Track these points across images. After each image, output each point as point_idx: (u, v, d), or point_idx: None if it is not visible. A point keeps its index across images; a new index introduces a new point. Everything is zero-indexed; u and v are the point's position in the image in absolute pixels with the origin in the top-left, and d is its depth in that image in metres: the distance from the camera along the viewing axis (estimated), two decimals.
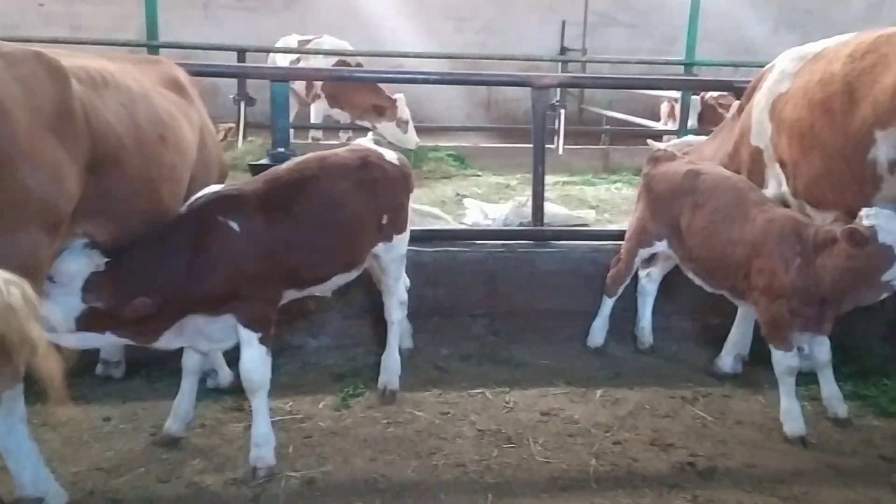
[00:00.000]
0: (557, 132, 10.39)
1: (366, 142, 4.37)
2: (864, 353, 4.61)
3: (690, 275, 4.18)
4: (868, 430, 3.83)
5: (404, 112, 10.10)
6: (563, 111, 10.52)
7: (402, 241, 3.94)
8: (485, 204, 7.34)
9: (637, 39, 16.24)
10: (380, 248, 3.85)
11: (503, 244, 4.82)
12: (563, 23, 15.99)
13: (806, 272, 3.57)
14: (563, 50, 15.87)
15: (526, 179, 8.86)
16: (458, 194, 8.36)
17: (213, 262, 3.15)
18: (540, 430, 3.72)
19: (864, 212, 3.45)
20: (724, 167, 4.31)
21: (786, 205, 3.99)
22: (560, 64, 13.36)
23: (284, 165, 3.64)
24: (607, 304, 4.60)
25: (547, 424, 3.79)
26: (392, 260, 3.94)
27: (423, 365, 4.39)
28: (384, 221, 3.78)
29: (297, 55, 10.89)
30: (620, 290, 4.55)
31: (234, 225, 3.19)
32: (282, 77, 5.45)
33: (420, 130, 13.03)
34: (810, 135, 3.67)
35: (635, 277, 4.63)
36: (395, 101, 9.99)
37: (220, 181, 3.83)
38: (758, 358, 4.27)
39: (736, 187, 3.96)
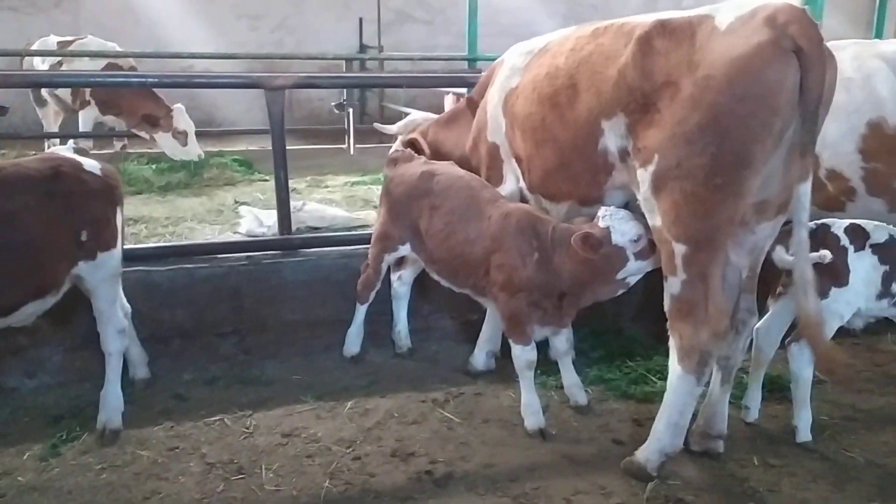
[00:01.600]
0: (347, 131, 10.20)
1: (63, 150, 3.92)
2: (612, 336, 4.78)
3: (435, 276, 4.11)
4: (607, 415, 3.92)
5: (181, 122, 9.47)
6: (350, 110, 10.33)
7: (110, 260, 3.55)
8: (260, 210, 6.97)
9: (434, 36, 16.43)
10: (81, 268, 3.44)
11: (248, 256, 4.52)
12: (361, 20, 15.83)
13: (544, 267, 3.58)
14: (363, 48, 15.71)
15: (316, 182, 8.64)
16: (236, 201, 7.92)
17: None
18: (277, 455, 3.48)
19: (600, 212, 3.51)
20: (466, 161, 4.28)
21: (524, 200, 4.00)
22: (359, 62, 13.17)
23: None
24: (360, 311, 4.44)
25: (286, 447, 3.56)
26: (101, 281, 3.54)
27: (159, 395, 4.02)
28: (83, 238, 3.38)
29: (59, 58, 9.90)
30: (372, 296, 4.41)
31: None
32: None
33: (215, 135, 12.45)
34: (542, 129, 3.68)
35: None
36: (170, 110, 9.35)
37: None
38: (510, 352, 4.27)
39: (469, 186, 3.92)
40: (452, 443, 3.62)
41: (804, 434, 3.67)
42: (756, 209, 3.21)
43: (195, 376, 4.22)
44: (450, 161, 4.31)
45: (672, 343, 3.25)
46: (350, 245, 4.68)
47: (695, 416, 3.44)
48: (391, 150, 4.51)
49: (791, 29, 2.84)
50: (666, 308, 3.25)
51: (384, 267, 4.32)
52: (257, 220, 6.83)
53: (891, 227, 3.77)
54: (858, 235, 3.64)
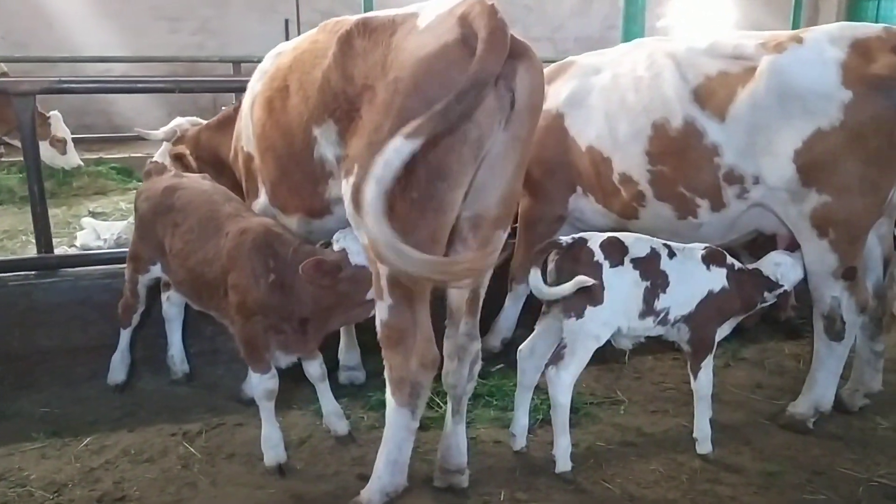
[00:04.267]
0: None
1: None
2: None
3: (185, 299, 3.79)
4: (368, 445, 3.59)
5: (59, 130, 9.13)
6: None
7: None
8: (99, 223, 6.65)
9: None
10: None
11: None
12: (287, 22, 15.49)
13: (281, 290, 3.27)
14: None
15: None
16: (90, 212, 7.58)
17: None
18: None
19: (335, 236, 3.24)
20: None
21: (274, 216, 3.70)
22: None
23: None
24: (124, 335, 4.11)
25: None
26: None
27: None
28: None
29: None
30: (136, 319, 4.08)
31: None
32: None
33: (115, 141, 12.08)
34: (263, 136, 3.40)
35: None
36: (47, 117, 9.01)
37: None
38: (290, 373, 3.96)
39: (211, 200, 3.61)
40: (176, 484, 3.31)
41: (562, 464, 3.39)
42: (471, 224, 2.93)
43: None
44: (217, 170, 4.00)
45: (385, 374, 2.96)
46: (115, 264, 4.33)
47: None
48: (148, 162, 4.19)
49: (476, 25, 2.56)
50: (378, 335, 2.96)
51: (142, 289, 4.00)
52: (95, 232, 6.52)
53: (654, 239, 3.52)
54: (616, 250, 3.37)
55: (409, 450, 3.05)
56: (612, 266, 3.33)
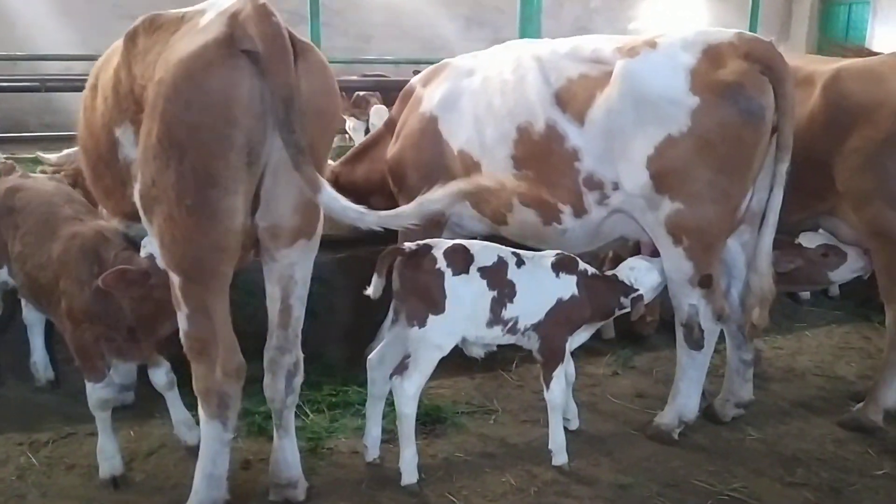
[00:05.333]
0: None
1: None
2: (309, 361, 4.35)
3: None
4: None
5: None
6: None
7: None
8: None
9: (331, 38, 15.92)
10: None
11: None
12: None
13: (104, 297, 3.16)
14: None
15: None
16: None
17: None
18: None
19: (143, 242, 3.12)
20: None
21: None
22: None
23: None
24: None
25: None
26: None
27: None
28: None
29: None
30: None
31: None
32: None
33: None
34: (80, 137, 3.30)
35: None
36: None
37: None
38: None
39: (50, 202, 3.51)
40: (5, 496, 3.22)
41: (408, 476, 3.31)
42: (269, 234, 2.83)
43: None
44: None
45: (193, 385, 2.88)
46: None
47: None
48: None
49: (249, 28, 2.48)
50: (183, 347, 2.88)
51: None
52: None
53: (503, 248, 3.44)
54: (460, 258, 3.29)
55: (226, 463, 2.96)
56: (455, 274, 3.25)
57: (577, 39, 3.78)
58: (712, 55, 3.38)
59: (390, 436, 3.56)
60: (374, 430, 3.48)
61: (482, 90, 3.91)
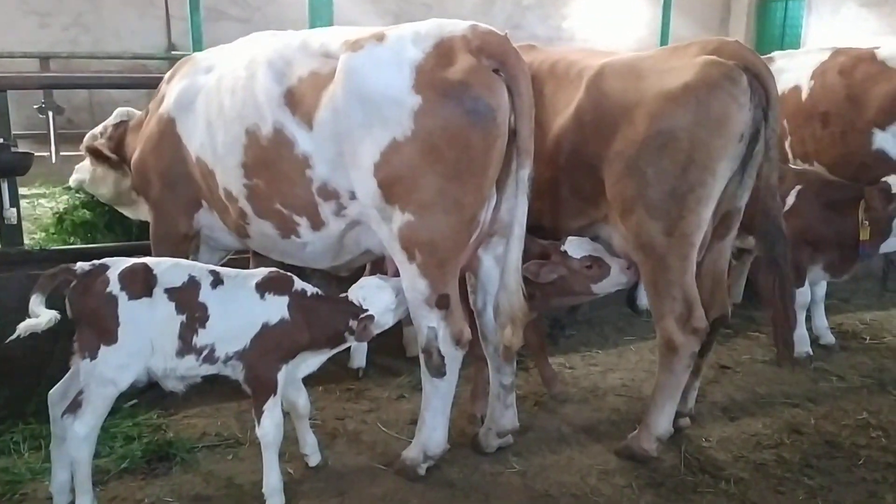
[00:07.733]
0: (49, 138, 9.24)
1: None
2: None
3: None
4: None
5: None
6: (51, 113, 9.37)
7: None
8: None
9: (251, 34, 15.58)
10: None
11: None
12: (168, 17, 14.92)
13: None
14: (172, 46, 14.79)
15: None
16: None
17: None
18: None
19: None
20: None
21: None
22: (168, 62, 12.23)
23: None
24: None
25: None
26: None
27: None
28: None
29: None
30: None
31: None
32: None
33: None
34: None
35: None
36: None
37: None
38: None
39: None
40: None
41: None
42: None
43: None
44: None
45: None
46: None
47: None
48: None
49: None
50: None
51: None
52: None
53: (198, 266, 3.05)
54: (138, 279, 2.89)
55: None
56: (131, 298, 2.85)
57: (312, 31, 3.39)
58: (443, 50, 3.02)
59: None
60: (60, 475, 3.06)
61: (216, 89, 3.51)
